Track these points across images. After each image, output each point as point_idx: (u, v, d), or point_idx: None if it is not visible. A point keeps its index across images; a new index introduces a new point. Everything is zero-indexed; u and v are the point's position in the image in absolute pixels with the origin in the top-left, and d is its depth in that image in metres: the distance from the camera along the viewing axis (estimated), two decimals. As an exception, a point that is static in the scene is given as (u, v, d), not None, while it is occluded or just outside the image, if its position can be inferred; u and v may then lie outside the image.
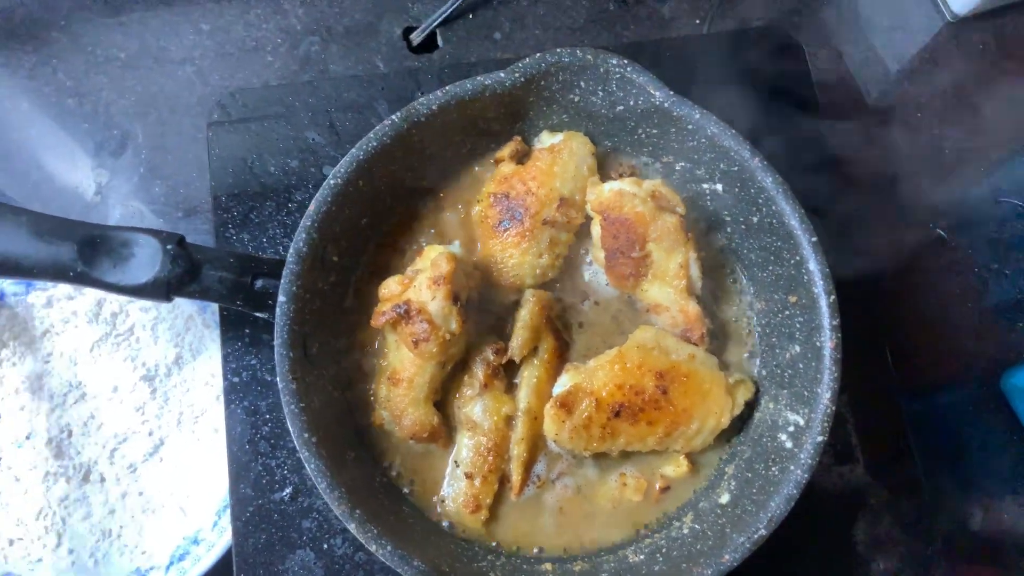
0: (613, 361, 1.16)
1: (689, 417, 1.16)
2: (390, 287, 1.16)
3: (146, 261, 1.07)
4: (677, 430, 1.16)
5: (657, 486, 1.19)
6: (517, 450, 1.18)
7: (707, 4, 1.66)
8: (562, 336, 1.24)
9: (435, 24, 1.60)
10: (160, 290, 1.08)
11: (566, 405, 1.13)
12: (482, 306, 1.23)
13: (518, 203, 1.22)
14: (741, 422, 1.19)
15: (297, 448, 1.05)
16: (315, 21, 1.63)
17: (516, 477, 1.18)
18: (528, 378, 1.20)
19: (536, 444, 1.20)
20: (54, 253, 1.06)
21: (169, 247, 1.08)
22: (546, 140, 1.27)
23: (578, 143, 1.25)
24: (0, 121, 1.60)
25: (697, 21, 1.65)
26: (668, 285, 1.19)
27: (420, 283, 1.13)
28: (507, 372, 1.21)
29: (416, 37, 1.61)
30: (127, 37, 1.64)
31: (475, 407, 1.18)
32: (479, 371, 1.19)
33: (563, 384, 1.17)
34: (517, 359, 1.19)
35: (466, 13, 1.63)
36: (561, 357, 1.23)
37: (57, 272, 1.06)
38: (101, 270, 1.07)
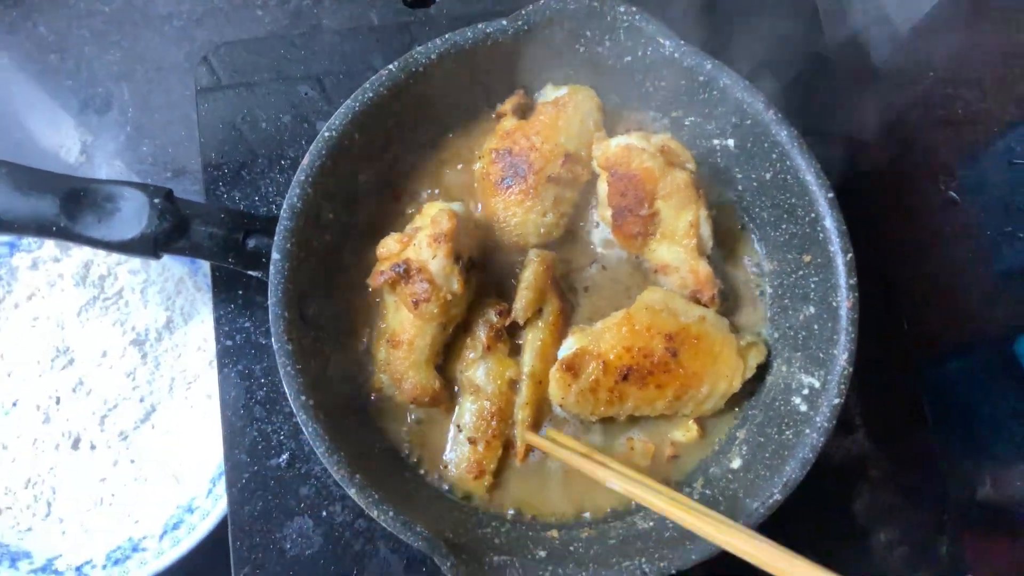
0: (621, 323, 1.12)
1: (699, 380, 1.12)
2: (388, 245, 1.12)
3: (132, 216, 1.02)
4: (687, 394, 1.12)
5: (666, 453, 1.15)
6: (521, 414, 1.14)
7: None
8: (567, 298, 1.19)
9: (433, -23, 1.54)
10: (147, 246, 1.03)
11: (572, 368, 1.09)
12: (484, 266, 1.18)
13: (521, 159, 1.17)
14: (753, 386, 1.16)
15: (294, 411, 1.00)
16: (308, -26, 1.57)
17: (520, 443, 1.14)
18: (532, 341, 1.16)
19: (541, 408, 1.16)
20: (35, 207, 1.01)
21: (156, 201, 1.03)
22: (550, 94, 1.22)
23: (584, 96, 1.20)
24: (-20, 78, 1.54)
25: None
26: (677, 244, 1.15)
27: (420, 241, 1.09)
28: (511, 335, 1.17)
29: (413, -9, 1.55)
30: (111, -11, 1.58)
31: (478, 370, 1.14)
32: (482, 333, 1.15)
33: (569, 347, 1.13)
34: (521, 321, 1.15)
35: (465, -34, 1.57)
36: (566, 320, 1.18)
37: (39, 227, 1.01)
38: (85, 225, 1.02)
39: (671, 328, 1.12)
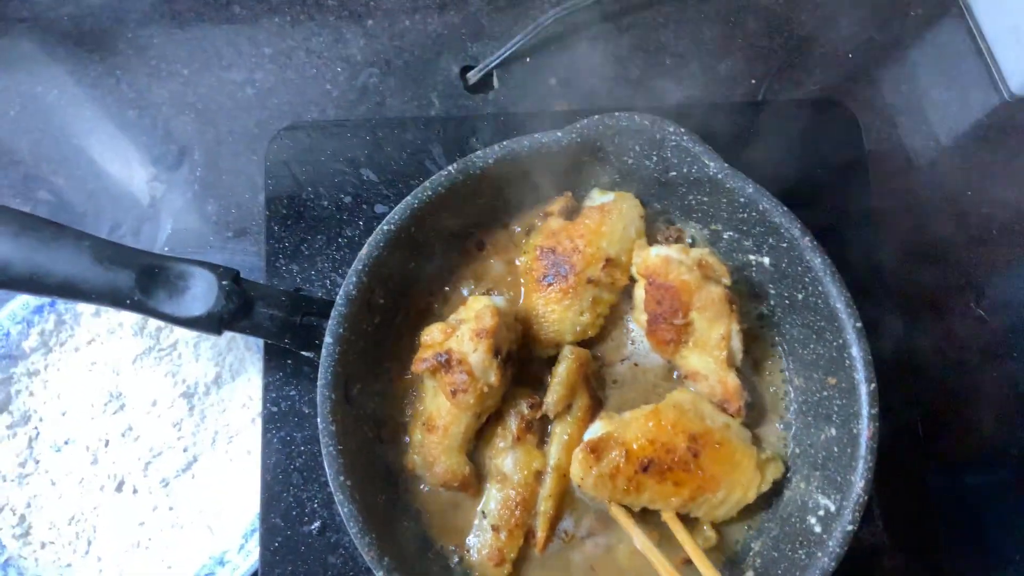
0: (648, 416, 1.16)
1: (716, 485, 1.16)
2: (433, 334, 1.18)
3: (201, 294, 1.10)
4: (702, 496, 1.16)
5: (680, 556, 1.20)
6: (544, 506, 1.19)
7: (763, 66, 1.67)
8: (597, 395, 1.25)
9: (493, 65, 1.63)
10: (212, 324, 1.10)
11: (596, 451, 1.14)
12: (520, 358, 1.24)
13: (564, 259, 1.23)
14: (770, 499, 1.20)
15: (332, 490, 1.06)
16: (375, 53, 1.66)
17: (541, 533, 1.19)
18: (560, 434, 1.21)
19: (564, 500, 1.21)
20: (113, 280, 1.08)
21: (224, 283, 1.10)
22: (597, 199, 1.28)
23: (628, 205, 1.26)
24: (62, 127, 1.64)
25: (753, 81, 1.66)
26: (708, 355, 1.20)
27: (463, 334, 1.15)
28: (540, 427, 1.22)
29: (473, 76, 1.63)
30: (191, 53, 1.68)
31: (506, 459, 1.20)
32: (513, 424, 1.20)
33: (595, 431, 1.18)
34: (552, 415, 1.20)
35: (523, 57, 1.65)
36: (594, 416, 1.24)
37: (114, 299, 1.08)
38: (157, 300, 1.09)
39: (696, 429, 1.17)
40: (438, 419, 1.17)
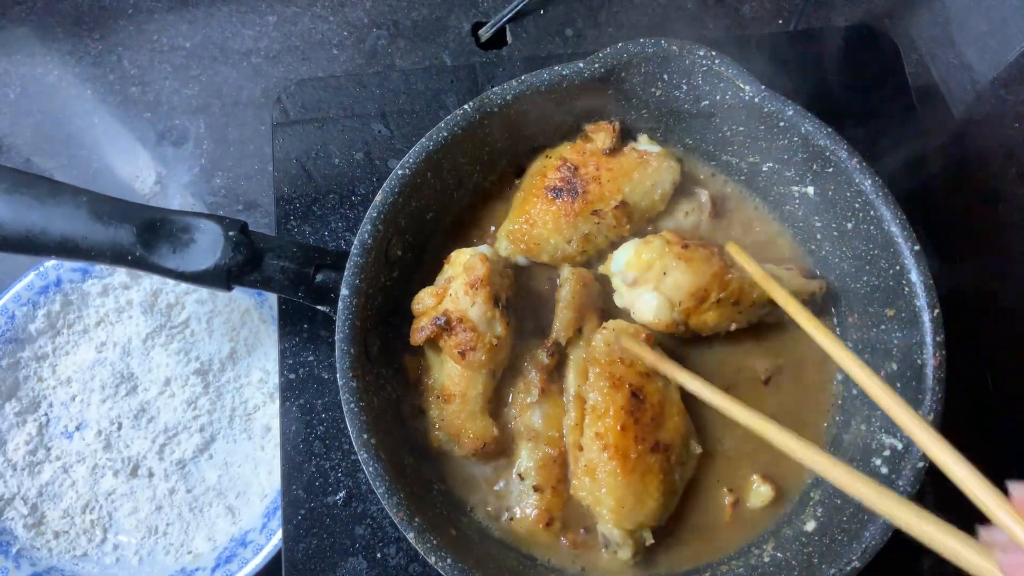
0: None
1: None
2: (423, 300, 1.10)
3: (207, 247, 1.03)
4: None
5: (726, 500, 1.10)
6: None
7: (789, 5, 1.58)
8: (604, 314, 1.15)
9: (505, 19, 1.55)
10: (220, 278, 1.03)
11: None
12: (519, 304, 1.16)
13: (581, 182, 1.15)
14: (829, 443, 1.11)
15: (356, 449, 0.99)
16: (382, 15, 1.60)
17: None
18: (575, 361, 1.11)
19: None
20: (113, 236, 1.02)
21: (231, 234, 1.03)
22: (642, 144, 1.20)
23: (667, 166, 1.18)
24: (64, 108, 1.59)
25: (780, 22, 1.57)
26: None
27: (456, 290, 1.07)
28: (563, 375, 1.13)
29: (485, 33, 1.57)
30: (193, 27, 1.62)
31: (534, 415, 1.10)
32: (535, 377, 1.11)
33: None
34: (563, 341, 1.11)
35: (537, 9, 1.58)
36: None
37: (115, 256, 1.02)
38: (160, 255, 1.02)
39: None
40: (452, 387, 1.08)
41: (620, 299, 1.14)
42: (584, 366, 1.10)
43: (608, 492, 1.03)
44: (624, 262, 1.11)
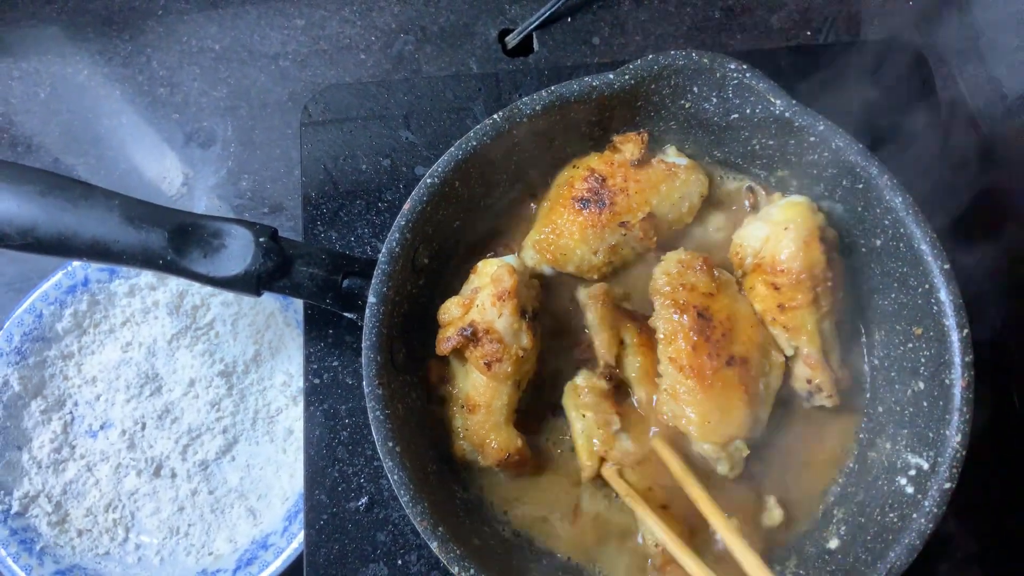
0: None
1: None
2: (450, 311, 1.10)
3: (237, 253, 1.03)
4: None
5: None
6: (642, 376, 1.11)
7: (819, 17, 1.58)
8: (636, 315, 1.15)
9: (532, 27, 1.55)
10: (250, 283, 1.04)
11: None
12: (545, 315, 1.16)
13: (609, 193, 1.15)
14: (852, 462, 1.10)
15: (380, 456, 0.99)
16: (410, 20, 1.60)
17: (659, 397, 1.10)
18: (631, 371, 1.12)
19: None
20: (144, 240, 1.03)
21: (262, 240, 1.04)
22: (670, 156, 1.20)
23: (695, 178, 1.18)
24: (92, 108, 1.60)
25: (808, 33, 1.57)
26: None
27: (483, 301, 1.07)
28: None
29: (512, 40, 1.56)
30: (222, 29, 1.63)
31: (623, 442, 1.10)
32: (604, 406, 1.10)
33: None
34: (612, 361, 1.11)
35: (564, 16, 1.57)
36: (650, 334, 1.13)
37: (146, 259, 1.03)
38: (191, 260, 1.03)
39: None
40: (477, 397, 1.08)
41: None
42: (643, 375, 1.11)
43: (693, 410, 1.05)
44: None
